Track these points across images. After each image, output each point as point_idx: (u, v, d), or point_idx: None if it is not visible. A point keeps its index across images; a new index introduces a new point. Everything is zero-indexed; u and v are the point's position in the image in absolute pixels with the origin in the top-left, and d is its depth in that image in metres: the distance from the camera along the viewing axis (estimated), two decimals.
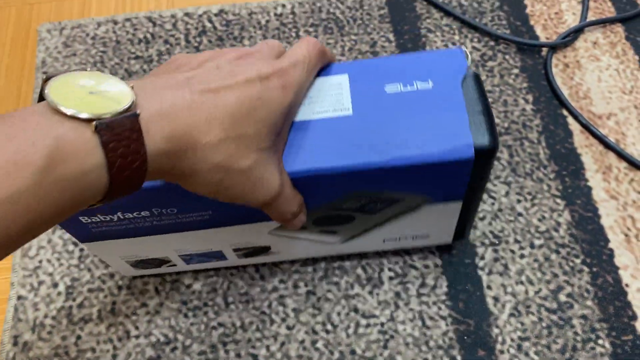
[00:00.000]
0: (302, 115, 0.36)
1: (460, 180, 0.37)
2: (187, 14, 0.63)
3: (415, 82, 0.37)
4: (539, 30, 0.61)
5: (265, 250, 0.46)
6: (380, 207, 0.40)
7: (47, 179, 0.24)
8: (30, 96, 0.59)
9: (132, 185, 0.27)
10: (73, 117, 0.25)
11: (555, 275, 0.49)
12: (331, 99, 0.37)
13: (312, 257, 0.50)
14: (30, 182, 0.24)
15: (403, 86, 0.37)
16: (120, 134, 0.25)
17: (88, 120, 0.25)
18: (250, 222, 0.41)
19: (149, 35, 0.61)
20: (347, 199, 0.38)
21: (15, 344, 0.47)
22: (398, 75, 0.37)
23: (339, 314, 0.48)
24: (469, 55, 0.38)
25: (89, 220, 0.38)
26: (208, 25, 0.62)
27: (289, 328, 0.47)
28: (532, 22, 0.61)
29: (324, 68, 0.38)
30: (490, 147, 0.34)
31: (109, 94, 0.26)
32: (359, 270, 0.49)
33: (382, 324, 0.47)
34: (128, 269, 0.47)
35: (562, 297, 0.48)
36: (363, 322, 0.47)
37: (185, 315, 0.48)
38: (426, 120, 0.35)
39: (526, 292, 0.48)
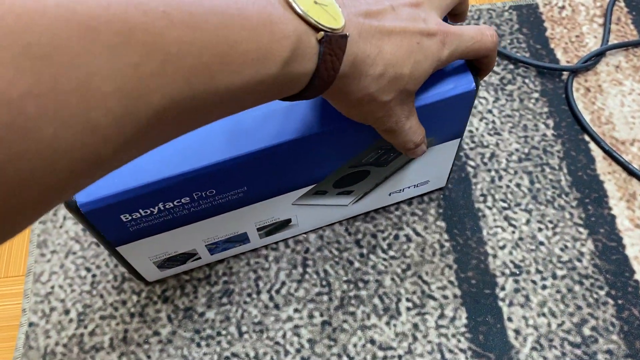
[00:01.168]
0: None
1: (463, 115, 0.42)
2: None
3: None
4: (559, 54, 0.60)
5: (285, 224, 0.47)
6: (393, 157, 0.44)
7: (282, 73, 0.26)
8: None
9: (313, 94, 0.29)
10: (304, 19, 0.27)
11: (579, 308, 0.47)
12: None
13: (327, 287, 0.49)
14: (274, 72, 0.25)
15: None
16: (334, 50, 0.28)
17: (315, 29, 0.27)
18: (280, 193, 0.43)
19: None
20: (368, 151, 0.42)
21: None
22: None
23: (355, 345, 0.46)
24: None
25: (129, 218, 0.38)
26: None
27: (304, 359, 0.46)
28: (552, 45, 0.60)
29: None
30: (476, 82, 0.40)
31: (328, 9, 0.28)
32: (376, 300, 0.48)
33: (400, 357, 0.46)
34: (153, 272, 0.47)
35: (586, 331, 0.46)
36: (380, 354, 0.46)
37: (198, 345, 0.47)
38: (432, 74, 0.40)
39: (549, 324, 0.47)
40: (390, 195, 0.49)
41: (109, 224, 0.38)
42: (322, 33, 0.27)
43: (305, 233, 0.51)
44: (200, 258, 0.48)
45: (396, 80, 0.32)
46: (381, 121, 0.35)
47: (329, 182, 0.44)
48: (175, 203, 0.39)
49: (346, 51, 0.29)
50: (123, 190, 0.36)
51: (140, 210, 0.38)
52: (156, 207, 0.38)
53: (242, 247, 0.49)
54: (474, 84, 0.40)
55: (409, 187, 0.49)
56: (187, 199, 0.39)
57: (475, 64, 0.40)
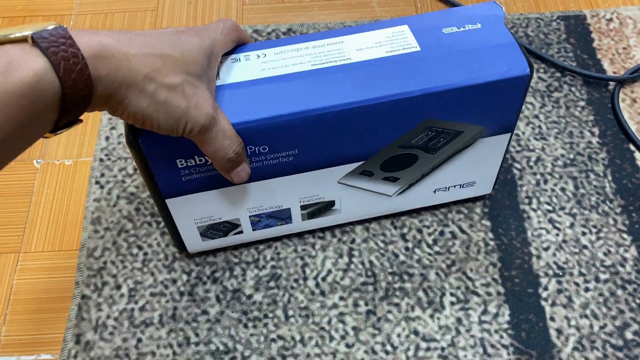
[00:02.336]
0: (375, 54, 0.41)
1: (516, 102, 0.42)
2: (256, 31, 0.64)
3: (467, 25, 0.43)
4: (606, 64, 0.61)
5: (329, 207, 0.48)
6: (442, 142, 0.45)
7: (7, 83, 0.27)
8: None
9: (84, 95, 0.30)
10: (17, 40, 0.29)
11: (621, 312, 0.48)
12: (398, 42, 0.42)
13: (373, 277, 0.50)
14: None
15: (457, 28, 0.43)
16: (55, 40, 0.29)
17: (27, 38, 0.29)
18: (328, 165, 0.44)
19: None
20: (418, 131, 0.43)
21: (77, 342, 0.47)
22: (450, 21, 0.43)
23: (399, 335, 0.47)
24: (502, 5, 0.44)
25: (184, 165, 0.40)
26: None
27: (348, 346, 0.47)
28: (599, 56, 0.61)
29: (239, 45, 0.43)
30: (531, 68, 0.40)
31: (47, 24, 0.30)
32: (420, 293, 0.49)
33: (443, 349, 0.46)
34: (195, 240, 0.48)
35: (629, 335, 0.47)
36: (423, 345, 0.47)
37: (245, 326, 0.48)
38: (484, 51, 0.41)
39: (591, 326, 0.47)
40: (435, 192, 0.50)
41: (165, 168, 0.40)
42: (30, 35, 0.29)
43: (350, 224, 0.52)
44: (242, 232, 0.49)
45: (169, 59, 0.34)
46: (192, 116, 0.35)
47: (377, 162, 0.45)
48: None
49: (82, 39, 0.30)
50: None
51: (196, 157, 0.40)
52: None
53: (284, 227, 0.49)
54: (528, 68, 0.40)
55: (454, 187, 0.50)
56: None
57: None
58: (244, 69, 0.40)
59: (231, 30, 0.40)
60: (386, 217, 0.53)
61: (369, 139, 0.42)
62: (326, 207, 0.49)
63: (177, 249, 0.50)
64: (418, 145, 0.44)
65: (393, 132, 0.42)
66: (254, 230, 0.49)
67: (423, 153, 0.45)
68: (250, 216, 0.47)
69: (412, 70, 0.40)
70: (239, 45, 0.42)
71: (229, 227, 0.48)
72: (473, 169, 0.49)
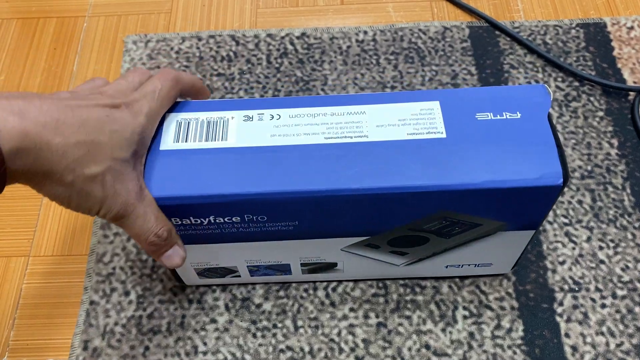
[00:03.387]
0: (395, 135, 0.38)
1: (543, 208, 0.38)
2: (269, 35, 0.63)
3: (505, 112, 0.38)
4: (626, 74, 0.59)
5: (331, 267, 0.46)
6: (457, 231, 0.41)
7: None
8: None
9: None
10: None
11: (639, 330, 0.47)
12: (424, 122, 0.38)
13: (384, 289, 0.49)
14: None
15: (493, 115, 0.38)
16: None
17: None
18: (330, 237, 0.41)
19: (231, 54, 0.62)
20: (431, 219, 0.39)
21: (85, 348, 0.47)
22: (487, 105, 0.39)
23: (409, 349, 0.46)
24: (551, 93, 0.39)
25: (179, 222, 0.39)
26: (290, 47, 0.62)
27: (357, 359, 0.46)
28: (619, 65, 0.60)
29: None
30: (565, 178, 0.36)
31: None
32: (432, 306, 0.48)
33: None
34: (192, 278, 0.47)
35: None
36: (434, 359, 0.46)
37: (254, 335, 0.47)
38: (517, 148, 0.37)
39: (607, 344, 0.46)
40: (447, 268, 0.47)
41: None
42: None
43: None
44: (240, 276, 0.47)
45: (95, 147, 0.32)
46: (107, 205, 0.34)
47: (384, 238, 0.42)
48: (225, 220, 0.38)
49: (5, 126, 0.29)
50: (178, 195, 0.36)
51: (191, 218, 0.38)
52: (207, 219, 0.38)
53: (283, 277, 0.48)
54: (562, 179, 0.36)
55: (468, 265, 0.47)
56: (238, 218, 0.38)
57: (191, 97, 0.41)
58: (254, 131, 0.38)
59: (169, 89, 0.38)
60: None
61: (377, 222, 0.40)
62: (328, 266, 0.46)
63: (176, 281, 0.50)
64: (430, 230, 0.41)
65: (402, 220, 0.39)
66: (252, 276, 0.47)
67: (435, 237, 0.42)
68: (247, 266, 0.45)
69: (432, 160, 0.36)
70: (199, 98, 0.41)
71: (226, 271, 0.46)
72: (491, 255, 0.45)
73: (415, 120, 0.38)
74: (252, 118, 0.39)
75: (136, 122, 0.35)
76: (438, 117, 0.38)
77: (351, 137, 0.38)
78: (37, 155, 0.30)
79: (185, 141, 0.38)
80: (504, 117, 0.38)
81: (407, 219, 0.39)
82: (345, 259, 0.45)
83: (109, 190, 0.33)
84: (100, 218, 0.35)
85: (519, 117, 0.38)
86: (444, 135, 0.37)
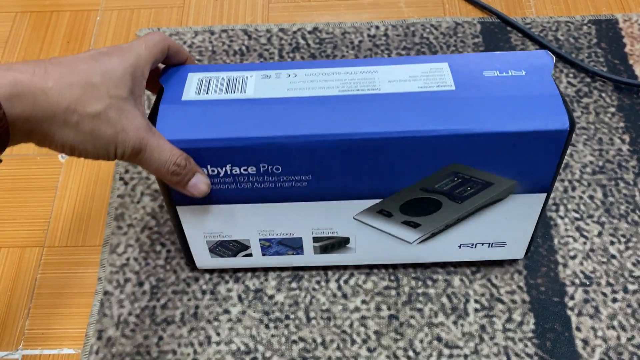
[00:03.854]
0: (407, 88, 0.39)
1: (552, 159, 0.39)
2: (282, 30, 0.64)
3: (510, 70, 0.40)
4: (638, 70, 0.59)
5: (343, 244, 0.46)
6: (469, 192, 0.42)
7: None
8: None
9: (0, 135, 0.30)
10: None
11: None
12: (434, 78, 0.40)
13: (396, 282, 0.49)
14: None
15: (499, 72, 0.40)
16: None
17: None
18: (343, 198, 0.42)
19: (244, 48, 0.62)
20: (442, 175, 0.40)
21: (99, 337, 0.47)
22: (493, 64, 0.41)
23: (421, 341, 0.47)
24: (554, 57, 0.41)
25: None
26: (302, 42, 0.63)
27: (369, 350, 0.46)
28: (630, 61, 0.60)
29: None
30: (571, 124, 0.37)
31: None
32: (444, 299, 0.48)
33: (466, 356, 0.46)
34: (204, 256, 0.47)
35: None
36: (446, 352, 0.46)
37: (267, 326, 0.48)
38: (523, 98, 0.38)
39: (618, 338, 0.46)
40: (460, 248, 0.47)
41: None
42: None
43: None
44: (251, 255, 0.47)
45: (89, 87, 0.33)
46: (121, 141, 0.34)
47: (396, 203, 0.43)
48: (242, 170, 0.40)
49: (0, 78, 0.30)
50: (197, 138, 0.38)
51: (208, 167, 0.39)
52: (223, 169, 0.39)
53: (294, 257, 0.48)
54: (568, 123, 0.37)
55: (482, 245, 0.47)
56: (254, 169, 0.40)
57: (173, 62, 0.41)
58: (271, 86, 0.40)
59: (157, 42, 0.39)
60: None
61: (389, 175, 0.41)
62: (340, 243, 0.46)
63: (187, 264, 0.50)
64: (442, 191, 0.42)
65: (415, 172, 0.40)
66: (263, 255, 0.48)
67: (448, 200, 0.43)
68: (260, 239, 0.46)
69: (442, 108, 0.38)
70: (178, 62, 0.42)
71: (239, 247, 0.47)
72: (503, 228, 0.45)
73: (425, 76, 0.40)
74: (270, 76, 0.41)
75: (126, 62, 0.36)
76: (447, 74, 0.40)
77: (364, 90, 0.39)
78: (34, 101, 0.31)
79: (207, 93, 0.40)
80: (510, 74, 0.40)
81: (418, 173, 0.40)
82: (358, 232, 0.45)
83: (117, 126, 0.34)
84: (120, 160, 0.36)
85: (523, 74, 0.40)
86: (453, 88, 0.39)
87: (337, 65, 0.41)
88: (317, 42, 0.62)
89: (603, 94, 0.58)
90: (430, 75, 0.40)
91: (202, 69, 0.41)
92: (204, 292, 0.49)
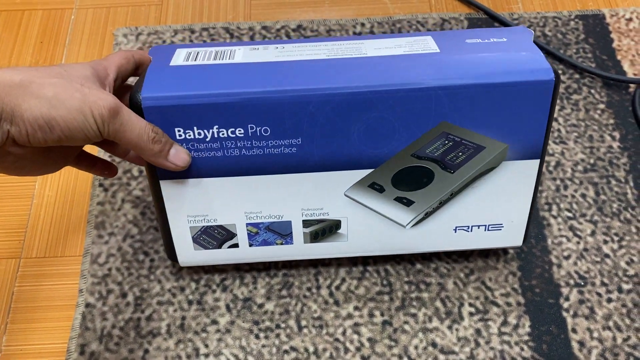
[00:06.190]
0: (393, 52, 0.40)
1: (540, 116, 0.39)
2: (265, 27, 0.62)
3: (492, 38, 0.41)
4: (626, 66, 0.59)
5: (334, 229, 0.44)
6: (461, 158, 0.41)
7: None
8: None
9: None
10: None
11: None
12: (418, 45, 0.41)
13: (389, 287, 0.48)
14: None
15: (481, 40, 0.41)
16: None
17: None
18: (334, 169, 0.41)
19: None
20: (432, 137, 0.40)
21: (82, 352, 0.45)
22: (475, 35, 0.42)
23: (416, 347, 0.46)
24: (533, 31, 0.42)
25: (183, 137, 0.39)
26: (286, 39, 0.61)
27: (363, 358, 0.45)
28: (619, 57, 0.59)
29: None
30: (556, 76, 0.38)
31: None
32: (438, 303, 0.47)
33: None
34: (187, 248, 0.45)
35: None
36: (442, 357, 0.45)
37: (257, 337, 0.46)
38: (507, 56, 0.39)
39: (614, 338, 0.46)
40: (456, 232, 0.45)
41: None
42: None
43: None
44: (238, 246, 0.45)
45: (45, 69, 0.33)
46: (95, 105, 0.33)
47: (388, 173, 0.42)
48: (229, 133, 0.39)
49: None
50: (185, 94, 0.37)
51: (195, 128, 0.38)
52: (210, 131, 0.39)
53: (283, 247, 0.45)
54: (553, 74, 0.38)
55: (478, 227, 0.45)
56: (242, 131, 0.39)
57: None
58: (259, 55, 0.40)
59: (119, 53, 0.39)
60: None
61: (379, 135, 0.40)
62: (331, 228, 0.45)
63: (169, 259, 0.48)
64: (434, 157, 0.41)
65: (405, 132, 0.40)
66: (250, 245, 0.45)
67: (440, 170, 0.42)
68: (247, 224, 0.44)
69: (429, 64, 0.39)
70: (141, 67, 0.41)
71: (224, 235, 0.44)
72: (499, 204, 0.44)
73: (410, 44, 0.41)
74: (258, 49, 0.41)
75: (87, 64, 0.36)
76: (431, 42, 0.41)
77: (352, 55, 0.40)
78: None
79: (195, 60, 0.40)
80: (491, 40, 0.41)
81: (408, 134, 0.40)
82: (350, 214, 0.43)
83: (82, 89, 0.33)
84: (105, 134, 0.34)
85: (505, 40, 0.41)
86: (437, 51, 0.40)
87: (324, 41, 0.42)
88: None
89: (592, 90, 0.58)
90: (415, 44, 0.41)
91: (189, 46, 0.42)
92: (190, 302, 0.47)
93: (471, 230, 0.45)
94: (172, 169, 0.38)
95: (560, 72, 0.58)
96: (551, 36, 0.61)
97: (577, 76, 0.58)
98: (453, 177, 0.42)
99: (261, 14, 0.64)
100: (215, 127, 0.38)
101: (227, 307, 0.47)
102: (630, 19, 0.62)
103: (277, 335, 0.46)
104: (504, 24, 0.61)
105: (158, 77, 0.38)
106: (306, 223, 0.44)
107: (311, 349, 0.46)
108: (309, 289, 0.48)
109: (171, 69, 0.39)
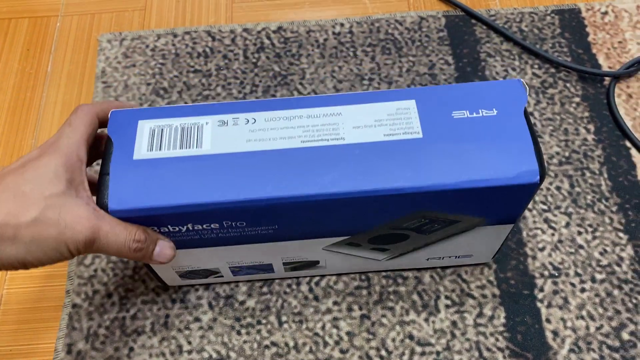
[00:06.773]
0: (372, 136, 0.37)
1: (521, 204, 0.39)
2: (245, 30, 0.63)
3: (481, 110, 0.38)
4: (601, 59, 0.60)
5: (313, 264, 0.46)
6: (436, 227, 0.41)
7: None
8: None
9: None
10: None
11: (618, 312, 0.47)
12: (401, 122, 0.38)
13: (367, 281, 0.49)
14: None
15: (469, 113, 0.38)
16: None
17: None
18: (310, 237, 0.41)
19: (207, 50, 0.61)
20: (410, 218, 0.39)
21: (69, 352, 0.47)
22: (463, 102, 0.39)
23: (393, 340, 0.47)
24: (527, 87, 0.39)
25: (157, 231, 0.38)
26: (266, 41, 0.62)
27: (342, 352, 0.46)
28: (594, 51, 0.60)
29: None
30: (541, 176, 0.36)
31: None
32: (415, 297, 0.48)
33: (438, 353, 0.46)
34: (174, 279, 0.47)
35: (625, 335, 0.46)
36: (418, 349, 0.46)
37: (239, 333, 0.47)
38: (493, 146, 0.37)
39: (587, 327, 0.47)
40: (427, 260, 0.48)
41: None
42: None
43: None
44: (222, 276, 0.47)
45: (21, 197, 0.33)
46: (71, 238, 0.33)
47: (365, 237, 0.42)
48: (204, 226, 0.38)
49: None
50: (155, 206, 0.36)
51: (169, 226, 0.38)
52: (185, 227, 0.38)
53: (266, 274, 0.48)
54: (538, 176, 0.36)
55: (449, 257, 0.47)
56: (217, 225, 0.38)
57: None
58: (229, 136, 0.37)
59: (82, 116, 0.37)
60: None
61: (355, 223, 0.40)
62: (310, 264, 0.46)
63: (157, 282, 0.50)
64: (410, 228, 0.41)
65: (381, 220, 0.40)
66: (235, 275, 0.47)
67: (415, 234, 0.42)
68: (230, 267, 0.45)
69: (409, 162, 0.36)
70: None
71: (209, 272, 0.46)
72: (470, 247, 0.46)
73: (391, 120, 0.38)
74: (227, 123, 0.38)
75: (57, 156, 0.35)
76: (414, 116, 0.38)
77: (328, 140, 0.37)
78: None
79: (159, 149, 0.37)
80: (480, 114, 0.38)
81: (386, 220, 0.40)
82: (328, 256, 0.45)
83: (59, 224, 0.33)
84: (80, 255, 0.35)
85: (495, 114, 0.38)
86: (420, 136, 0.37)
87: (298, 106, 0.39)
88: (282, 41, 0.62)
89: (568, 84, 0.59)
90: (397, 119, 0.38)
91: (153, 115, 0.38)
92: (173, 301, 0.49)
93: (442, 259, 0.48)
94: (157, 264, 0.39)
95: (536, 66, 0.59)
96: (527, 31, 0.62)
97: (552, 70, 0.59)
98: (427, 237, 0.43)
99: (242, 17, 0.65)
100: (190, 224, 0.38)
101: (210, 305, 0.48)
102: (605, 13, 0.63)
103: (258, 331, 0.47)
104: (481, 20, 0.62)
105: (124, 180, 0.36)
106: (286, 263, 0.46)
107: (291, 344, 0.47)
108: (289, 286, 0.49)
109: (135, 165, 0.36)
